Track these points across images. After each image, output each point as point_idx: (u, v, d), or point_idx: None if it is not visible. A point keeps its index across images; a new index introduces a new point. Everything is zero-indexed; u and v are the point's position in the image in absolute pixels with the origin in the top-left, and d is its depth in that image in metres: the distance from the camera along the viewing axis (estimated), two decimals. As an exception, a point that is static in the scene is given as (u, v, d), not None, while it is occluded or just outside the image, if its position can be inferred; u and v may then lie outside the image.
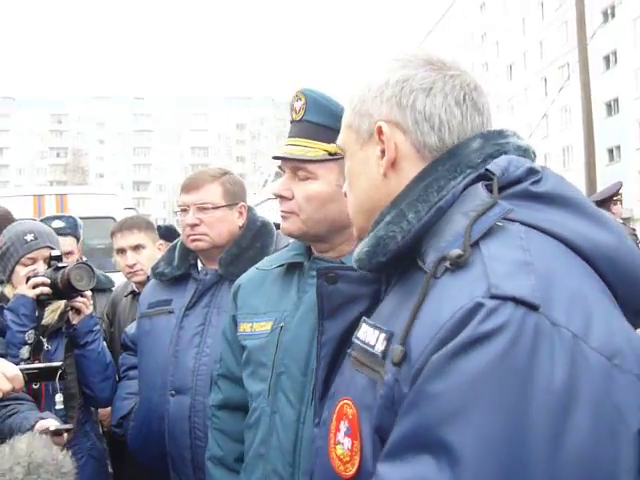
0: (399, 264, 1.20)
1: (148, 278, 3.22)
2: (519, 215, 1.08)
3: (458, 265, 1.02)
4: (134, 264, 3.70)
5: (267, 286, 2.08)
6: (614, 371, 0.93)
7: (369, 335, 1.15)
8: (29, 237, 3.09)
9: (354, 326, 1.27)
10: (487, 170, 1.15)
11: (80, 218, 4.33)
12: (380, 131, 1.24)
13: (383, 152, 1.24)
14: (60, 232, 3.94)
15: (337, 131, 1.83)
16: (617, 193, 7.02)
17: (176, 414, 2.64)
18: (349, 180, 1.35)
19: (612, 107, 41.16)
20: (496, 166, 1.15)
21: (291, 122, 1.98)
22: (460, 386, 0.91)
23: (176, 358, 2.70)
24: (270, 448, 1.90)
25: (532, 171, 1.15)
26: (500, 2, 54.81)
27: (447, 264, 1.03)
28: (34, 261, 3.10)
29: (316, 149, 1.89)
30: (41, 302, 3.01)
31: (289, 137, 1.96)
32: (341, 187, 1.86)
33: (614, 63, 40.99)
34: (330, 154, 1.88)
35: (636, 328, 1.08)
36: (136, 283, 3.78)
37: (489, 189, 1.12)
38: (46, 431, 2.12)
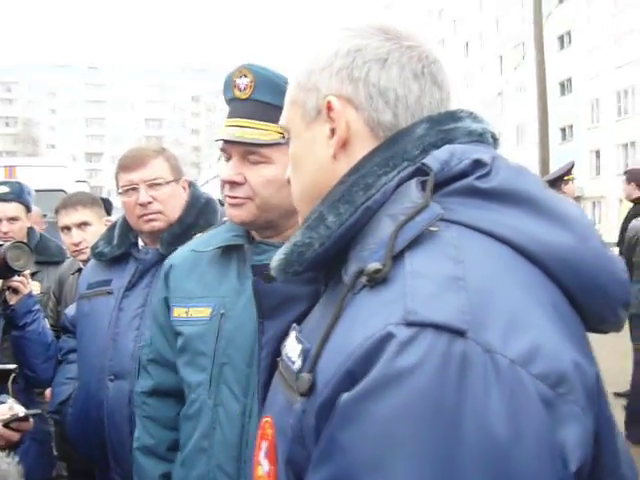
0: (324, 268, 1.07)
1: None
2: (459, 216, 0.93)
3: (375, 281, 0.87)
4: (79, 242, 3.57)
5: (203, 268, 1.95)
6: (558, 401, 0.79)
7: (293, 348, 1.01)
8: None
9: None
10: (423, 164, 0.99)
11: (30, 191, 4.21)
12: (330, 107, 1.08)
13: (332, 131, 1.09)
14: (3, 198, 3.88)
15: None
16: (569, 172, 7.10)
17: (115, 400, 2.52)
18: (293, 163, 1.18)
19: (565, 86, 41.71)
20: (434, 159, 0.99)
21: (231, 100, 1.84)
22: (376, 433, 0.78)
23: (115, 341, 2.56)
24: (214, 442, 1.81)
25: (478, 164, 0.98)
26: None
27: (363, 279, 0.89)
28: None
29: (269, 131, 1.77)
30: None
31: (234, 117, 1.82)
32: None
33: (568, 43, 41.48)
34: (284, 136, 1.77)
35: (602, 333, 1.02)
36: (82, 261, 3.65)
37: (423, 187, 0.96)
38: (14, 418, 2.06)
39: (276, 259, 1.07)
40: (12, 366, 2.48)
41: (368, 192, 1.00)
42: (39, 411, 2.22)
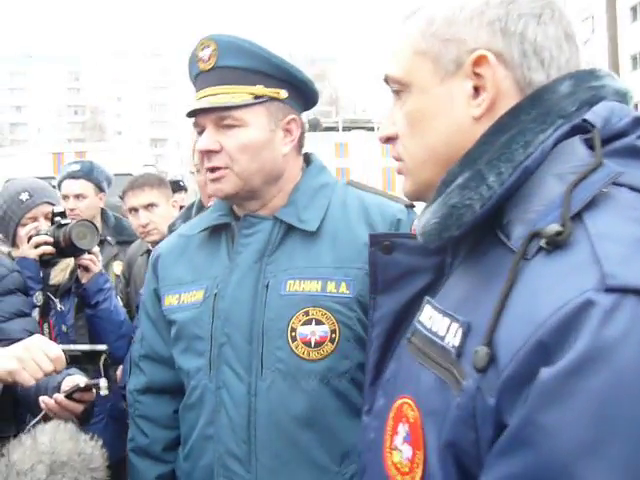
0: (471, 232, 0.98)
1: (162, 237, 3.13)
2: (626, 178, 0.86)
3: (556, 244, 0.81)
4: (147, 223, 3.58)
5: (191, 252, 1.90)
6: None
7: (436, 322, 0.95)
8: (24, 196, 2.99)
9: (412, 304, 1.11)
10: (585, 121, 0.93)
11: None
12: (478, 62, 0.98)
13: (476, 89, 0.99)
14: (73, 175, 3.95)
15: (260, 72, 1.71)
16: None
17: None
18: (413, 121, 1.06)
19: (637, 60, 40.40)
20: (595, 116, 0.93)
21: (197, 75, 1.78)
22: (590, 413, 0.70)
23: None
24: (220, 427, 1.74)
25: (638, 122, 0.93)
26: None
27: (542, 242, 0.82)
28: (34, 219, 3.00)
29: (239, 93, 1.71)
30: (46, 262, 2.91)
31: (201, 89, 1.76)
32: (273, 131, 1.74)
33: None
34: (256, 97, 1.72)
35: None
36: (151, 242, 3.66)
37: (588, 145, 0.90)
38: (75, 388, 2.07)
39: (428, 223, 0.99)
40: (102, 347, 2.40)
41: (527, 150, 0.92)
42: (100, 382, 2.20)
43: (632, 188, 0.85)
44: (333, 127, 10.11)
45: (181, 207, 4.00)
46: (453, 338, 0.89)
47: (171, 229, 2.79)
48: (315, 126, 9.89)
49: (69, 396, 2.02)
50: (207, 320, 1.78)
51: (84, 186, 3.97)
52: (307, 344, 1.68)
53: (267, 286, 1.73)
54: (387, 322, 1.16)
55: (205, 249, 1.88)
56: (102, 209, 4.10)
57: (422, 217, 1.02)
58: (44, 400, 2.02)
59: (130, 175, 6.73)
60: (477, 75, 0.98)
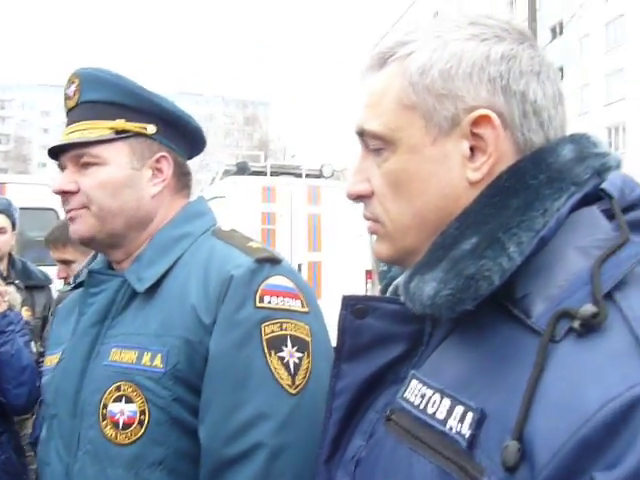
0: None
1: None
2: None
3: (590, 327, 0.73)
4: (65, 277, 3.53)
5: (73, 310, 1.69)
6: None
7: (432, 403, 0.85)
8: None
9: (382, 375, 1.02)
10: (602, 190, 0.88)
11: (20, 209, 4.18)
12: (477, 122, 0.91)
13: (472, 150, 0.93)
14: None
15: (122, 106, 1.56)
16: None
17: None
18: (400, 182, 0.97)
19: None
20: (612, 186, 0.87)
21: (67, 114, 1.63)
22: None
23: None
24: None
25: None
26: (454, 8, 55.51)
27: (575, 324, 0.74)
28: None
29: (97, 128, 1.55)
30: None
31: (67, 127, 1.60)
32: (137, 170, 1.56)
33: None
34: (117, 132, 1.56)
35: None
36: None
37: (606, 216, 0.85)
38: None
39: (438, 294, 0.88)
40: None
41: (545, 218, 0.85)
42: None
43: None
44: (261, 171, 10.13)
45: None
46: (458, 424, 0.79)
47: (76, 277, 2.63)
48: (243, 170, 9.89)
49: None
50: (53, 387, 1.60)
51: (4, 221, 3.91)
52: (116, 425, 1.41)
53: (98, 354, 1.51)
54: (351, 393, 1.04)
55: (76, 308, 1.66)
56: (9, 254, 4.01)
57: (419, 284, 0.91)
58: None
59: (52, 210, 6.64)
60: (474, 135, 0.92)
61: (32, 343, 3.06)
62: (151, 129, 1.59)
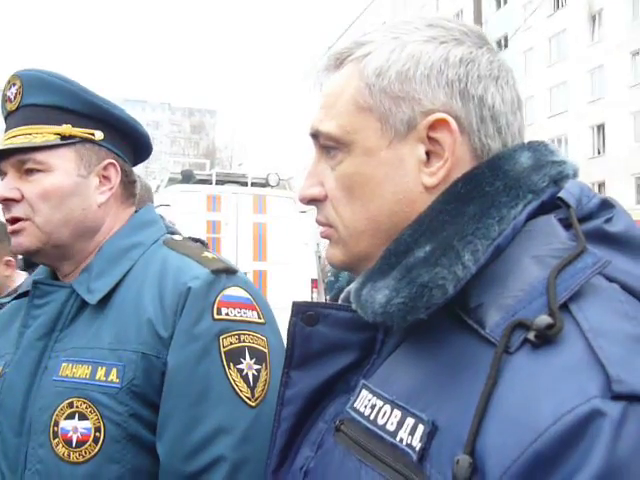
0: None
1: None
2: (607, 268, 0.79)
3: (545, 339, 0.72)
4: None
5: (11, 321, 1.61)
6: None
7: (382, 413, 0.83)
8: None
9: (332, 383, 1.00)
10: (559, 199, 0.87)
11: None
12: (434, 126, 0.89)
13: (428, 154, 0.91)
14: None
15: (69, 110, 1.49)
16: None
17: None
18: (353, 185, 0.95)
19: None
20: (570, 195, 0.86)
21: (6, 117, 1.55)
22: None
23: None
24: None
25: (605, 205, 0.87)
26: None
27: (530, 335, 0.72)
28: None
29: (42, 134, 1.48)
30: None
31: (7, 131, 1.52)
32: (83, 177, 1.51)
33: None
34: (63, 137, 1.49)
35: None
36: None
37: (563, 225, 0.84)
38: None
39: (389, 302, 0.85)
40: None
41: (501, 226, 0.84)
42: None
43: (608, 278, 0.79)
44: (207, 179, 10.04)
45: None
46: (409, 436, 0.78)
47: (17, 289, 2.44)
48: (188, 178, 9.80)
49: None
50: None
51: None
52: (68, 443, 1.35)
53: (47, 368, 1.44)
54: (300, 402, 1.02)
55: (16, 319, 1.58)
56: None
57: (371, 291, 0.89)
58: None
59: None
60: (431, 139, 0.90)
61: None
62: (99, 135, 1.54)
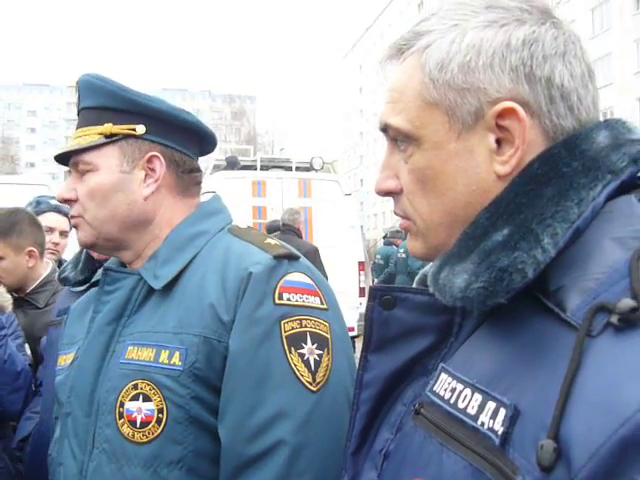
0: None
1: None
2: None
3: (629, 322, 0.69)
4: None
5: (87, 309, 1.68)
6: None
7: (462, 397, 0.82)
8: None
9: (410, 366, 1.00)
10: (639, 179, 0.84)
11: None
12: (502, 114, 0.88)
13: (498, 142, 0.90)
14: (61, 209, 3.78)
15: (108, 109, 1.56)
16: None
17: None
18: (424, 179, 0.95)
19: None
20: None
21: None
22: None
23: None
24: None
25: None
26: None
27: (613, 319, 0.70)
28: None
29: (88, 135, 1.56)
30: None
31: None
32: (127, 173, 1.56)
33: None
34: (106, 136, 1.56)
35: None
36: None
37: None
38: None
39: (469, 287, 0.85)
40: None
41: (580, 208, 0.82)
42: None
43: None
44: (251, 165, 10.08)
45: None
46: (490, 420, 0.76)
47: (60, 275, 2.50)
48: (233, 164, 9.84)
49: None
50: (68, 386, 1.58)
51: (67, 223, 3.82)
52: (133, 423, 1.41)
53: (114, 352, 1.51)
54: (379, 385, 1.02)
55: (91, 307, 1.65)
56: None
57: (449, 275, 0.89)
58: None
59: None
60: (500, 127, 0.89)
61: (26, 345, 2.97)
62: (140, 129, 1.57)
